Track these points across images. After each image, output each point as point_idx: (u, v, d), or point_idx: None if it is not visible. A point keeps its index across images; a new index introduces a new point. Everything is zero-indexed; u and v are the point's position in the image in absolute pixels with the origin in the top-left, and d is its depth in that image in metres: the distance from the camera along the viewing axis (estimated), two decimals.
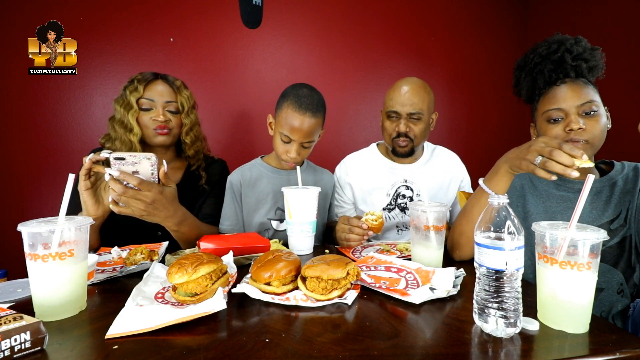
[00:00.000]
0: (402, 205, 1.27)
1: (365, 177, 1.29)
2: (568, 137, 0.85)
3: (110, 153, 0.81)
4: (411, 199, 1.26)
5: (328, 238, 1.23)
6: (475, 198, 0.85)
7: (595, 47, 0.90)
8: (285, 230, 1.12)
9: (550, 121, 0.89)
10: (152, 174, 0.84)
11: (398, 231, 1.30)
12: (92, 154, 0.85)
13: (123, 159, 0.80)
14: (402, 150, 1.22)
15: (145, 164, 0.82)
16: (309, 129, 1.04)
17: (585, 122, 0.84)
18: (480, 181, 0.83)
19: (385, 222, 1.26)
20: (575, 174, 0.65)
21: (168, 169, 1.19)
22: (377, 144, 1.38)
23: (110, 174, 0.78)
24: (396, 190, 1.27)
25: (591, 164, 0.66)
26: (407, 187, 1.27)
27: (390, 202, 1.27)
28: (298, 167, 1.08)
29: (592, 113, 0.85)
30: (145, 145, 1.17)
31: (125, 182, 0.80)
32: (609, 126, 0.89)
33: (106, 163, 0.83)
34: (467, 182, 1.35)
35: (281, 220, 1.16)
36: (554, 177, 0.67)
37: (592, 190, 0.88)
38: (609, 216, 0.86)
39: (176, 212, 0.91)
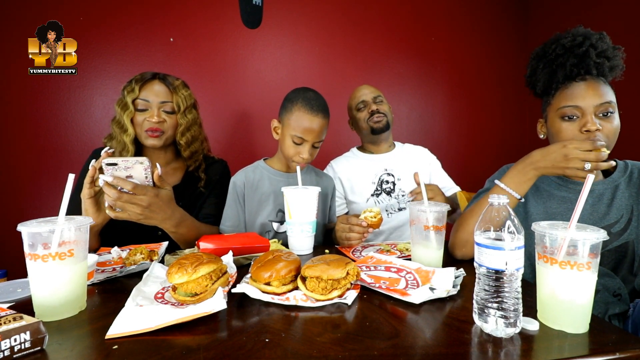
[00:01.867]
0: (388, 189, 1.40)
1: (351, 171, 1.45)
2: (584, 137, 0.83)
3: (110, 150, 0.81)
4: (394, 183, 1.42)
5: (328, 240, 1.24)
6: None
7: (617, 46, 0.87)
8: (285, 232, 1.13)
9: (564, 118, 0.86)
10: (146, 177, 0.84)
11: (388, 214, 1.38)
12: (93, 160, 0.85)
13: (115, 164, 0.79)
14: (379, 125, 1.38)
15: (138, 168, 0.82)
16: (320, 128, 1.08)
17: (601, 123, 0.82)
18: (500, 183, 0.83)
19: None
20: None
21: (168, 170, 1.19)
22: (357, 147, 1.56)
23: (104, 180, 0.78)
24: (380, 178, 1.42)
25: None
26: (389, 174, 1.43)
27: (377, 188, 1.41)
28: (298, 167, 1.08)
29: (608, 114, 0.83)
30: (141, 146, 1.17)
31: (119, 187, 0.80)
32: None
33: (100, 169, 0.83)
34: (435, 165, 1.50)
35: (282, 222, 1.17)
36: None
37: (594, 193, 0.87)
38: (610, 220, 0.85)
39: (174, 214, 0.91)
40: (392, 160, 1.45)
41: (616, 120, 0.84)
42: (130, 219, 0.85)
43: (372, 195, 1.40)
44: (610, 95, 0.84)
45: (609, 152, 0.73)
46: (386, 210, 1.38)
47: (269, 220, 1.17)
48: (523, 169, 0.81)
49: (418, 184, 0.97)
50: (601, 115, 0.83)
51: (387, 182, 1.41)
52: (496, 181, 0.85)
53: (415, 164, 1.45)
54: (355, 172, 1.44)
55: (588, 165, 0.73)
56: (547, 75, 0.91)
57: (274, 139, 1.18)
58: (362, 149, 1.53)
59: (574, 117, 0.85)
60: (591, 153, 0.73)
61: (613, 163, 0.74)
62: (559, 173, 0.78)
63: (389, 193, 1.40)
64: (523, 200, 0.83)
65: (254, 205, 1.16)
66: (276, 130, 1.16)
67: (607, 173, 0.92)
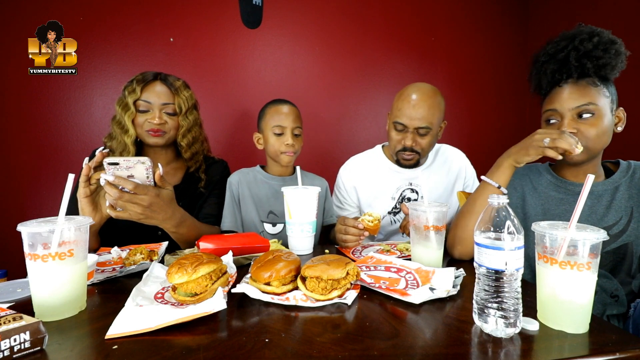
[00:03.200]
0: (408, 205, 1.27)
1: (370, 181, 1.28)
2: None
3: (105, 150, 0.82)
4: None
5: (326, 241, 1.25)
6: (478, 193, 0.86)
7: (613, 41, 0.82)
8: (277, 233, 1.20)
9: (548, 122, 0.88)
10: (148, 177, 0.84)
11: (403, 234, 1.27)
12: (87, 159, 0.85)
13: (117, 163, 0.79)
14: (407, 164, 1.21)
15: (139, 168, 0.82)
16: (292, 113, 1.18)
17: (579, 125, 0.82)
18: (483, 177, 0.85)
19: (390, 225, 1.27)
20: (579, 150, 0.73)
21: (168, 170, 1.19)
22: (383, 146, 1.35)
23: (105, 179, 0.78)
24: (401, 194, 1.26)
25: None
26: (413, 190, 1.26)
27: (395, 205, 1.27)
28: (298, 167, 1.09)
29: (587, 116, 0.82)
30: (142, 146, 1.17)
31: (120, 187, 0.80)
32: (620, 129, 0.86)
33: (101, 168, 0.83)
34: (470, 175, 1.31)
35: (273, 223, 1.21)
36: (560, 157, 0.77)
37: (593, 194, 0.87)
38: (609, 221, 0.84)
39: (174, 214, 0.91)
40: (420, 174, 1.25)
41: (600, 122, 0.82)
42: (131, 219, 0.84)
43: (390, 212, 1.26)
44: (592, 96, 0.82)
45: (580, 147, 0.75)
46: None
47: (260, 221, 1.21)
48: (499, 161, 0.85)
49: (406, 215, 0.95)
50: (580, 117, 0.83)
51: (409, 199, 1.25)
52: (482, 177, 0.87)
53: (445, 180, 1.27)
54: (374, 183, 1.28)
55: (547, 141, 0.76)
56: (536, 82, 0.93)
57: None
58: (388, 151, 1.31)
59: (554, 121, 0.86)
60: (554, 132, 0.76)
61: (577, 150, 0.75)
62: (525, 154, 0.80)
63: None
64: (505, 191, 0.84)
65: (247, 205, 1.21)
66: (259, 141, 1.24)
67: (609, 173, 0.91)
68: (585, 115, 0.82)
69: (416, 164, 1.22)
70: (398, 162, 1.23)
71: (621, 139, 0.90)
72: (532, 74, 0.94)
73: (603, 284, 0.83)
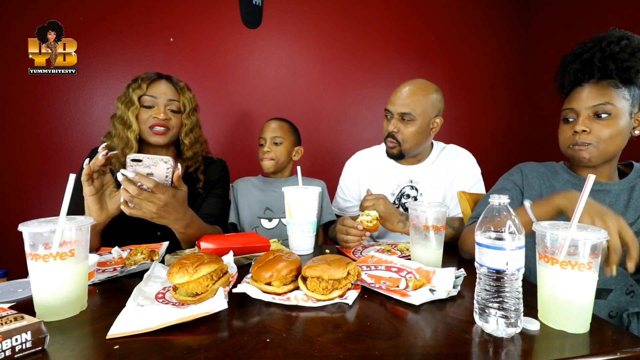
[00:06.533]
0: (406, 205, 1.26)
1: (372, 175, 1.32)
2: (573, 139, 0.84)
3: (105, 150, 0.82)
4: (415, 198, 1.25)
5: (323, 239, 1.33)
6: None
7: None
8: (273, 228, 1.29)
9: (565, 121, 0.88)
10: (167, 177, 0.83)
11: None
12: (87, 159, 0.84)
13: (140, 160, 0.79)
14: (390, 152, 1.23)
15: (161, 167, 0.81)
16: (276, 124, 1.32)
17: (593, 124, 0.82)
18: (526, 203, 0.74)
19: None
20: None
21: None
22: None
23: (124, 175, 0.78)
24: (401, 190, 1.27)
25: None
26: (412, 187, 1.26)
27: (394, 201, 1.27)
28: (298, 167, 1.09)
29: (603, 116, 0.81)
30: (141, 145, 1.17)
31: (139, 184, 0.79)
32: (637, 132, 0.84)
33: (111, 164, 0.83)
34: (473, 176, 1.25)
35: (269, 219, 1.29)
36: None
37: (611, 194, 0.87)
38: (627, 220, 0.81)
39: (185, 215, 0.90)
40: (420, 172, 1.27)
41: (615, 124, 0.81)
42: (144, 217, 0.83)
43: None
44: (610, 97, 0.81)
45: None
46: None
47: (257, 217, 1.28)
48: (552, 198, 0.75)
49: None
50: (596, 116, 0.82)
51: (409, 196, 1.25)
52: (526, 204, 0.75)
53: (445, 179, 1.25)
54: (374, 177, 1.31)
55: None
56: (560, 81, 0.92)
57: None
58: None
59: (571, 120, 0.86)
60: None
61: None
62: (583, 216, 0.62)
63: (407, 209, 1.19)
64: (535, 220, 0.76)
65: (243, 209, 1.31)
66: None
67: (622, 174, 0.91)
68: (601, 115, 0.81)
69: (400, 156, 1.22)
70: (386, 152, 1.27)
71: (637, 141, 0.88)
72: (558, 74, 0.94)
73: (618, 280, 0.82)
